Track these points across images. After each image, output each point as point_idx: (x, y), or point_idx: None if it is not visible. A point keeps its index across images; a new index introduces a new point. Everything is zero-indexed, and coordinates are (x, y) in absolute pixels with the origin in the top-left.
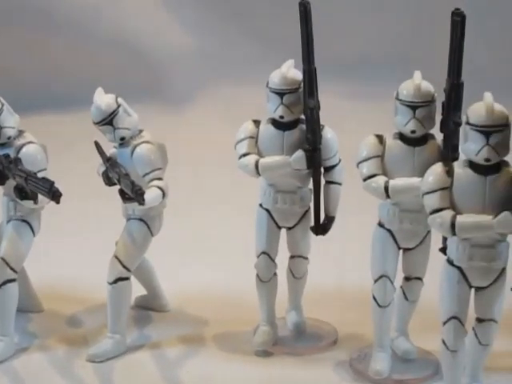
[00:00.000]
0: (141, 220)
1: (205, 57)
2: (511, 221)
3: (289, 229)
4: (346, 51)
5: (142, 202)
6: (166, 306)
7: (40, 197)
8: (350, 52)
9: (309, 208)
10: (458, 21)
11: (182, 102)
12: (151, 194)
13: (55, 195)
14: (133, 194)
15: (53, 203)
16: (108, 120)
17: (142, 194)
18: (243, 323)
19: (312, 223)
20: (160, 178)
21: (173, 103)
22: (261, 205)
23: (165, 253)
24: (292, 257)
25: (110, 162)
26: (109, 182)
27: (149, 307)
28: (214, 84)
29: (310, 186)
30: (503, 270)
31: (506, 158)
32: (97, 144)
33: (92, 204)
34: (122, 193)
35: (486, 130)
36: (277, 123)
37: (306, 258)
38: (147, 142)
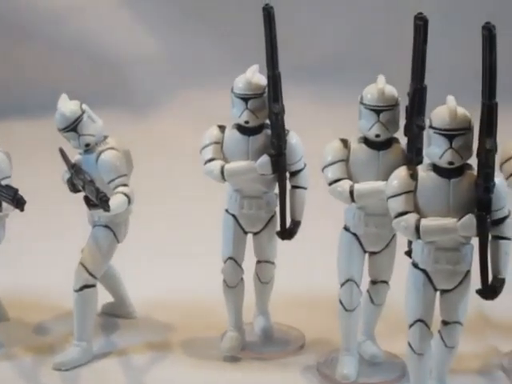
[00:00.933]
0: (106, 227)
1: (170, 62)
2: (474, 223)
3: (255, 234)
4: (311, 56)
5: (107, 208)
6: (133, 313)
7: (4, 204)
8: (314, 57)
9: (275, 213)
10: (421, 25)
11: (148, 108)
12: (116, 201)
13: (19, 202)
14: (97, 200)
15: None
16: (72, 126)
17: (107, 200)
18: (210, 329)
19: (278, 228)
20: (125, 185)
21: (138, 109)
22: (227, 210)
23: (131, 259)
24: (259, 262)
25: (74, 169)
26: (74, 188)
27: (115, 314)
28: (180, 89)
29: (276, 190)
30: (468, 272)
31: (468, 161)
32: (61, 151)
33: (57, 211)
34: (86, 199)
35: (450, 134)
36: (242, 128)
37: (273, 263)
38: (112, 148)
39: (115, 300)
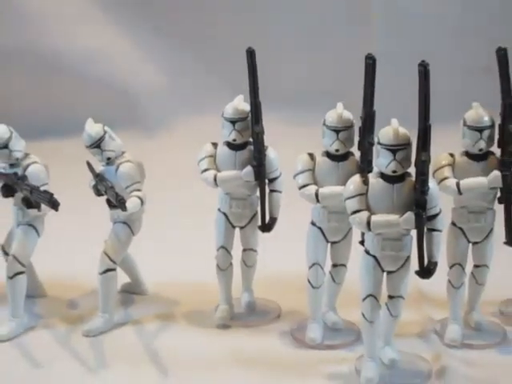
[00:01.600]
0: (124, 223)
1: (175, 93)
2: (413, 219)
3: (241, 228)
4: (286, 88)
5: (124, 209)
6: (146, 291)
7: (43, 206)
8: (288, 88)
9: (257, 211)
10: (370, 63)
11: (156, 130)
12: (132, 203)
13: (55, 204)
14: (117, 202)
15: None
16: (96, 144)
17: (124, 202)
18: (207, 303)
19: (259, 223)
20: (139, 190)
21: (148, 131)
22: (219, 209)
23: (145, 248)
24: (244, 250)
25: (98, 178)
26: (98, 193)
27: (132, 292)
28: (182, 115)
29: (257, 194)
30: (408, 257)
31: (408, 170)
32: (88, 163)
33: (86, 210)
34: (108, 202)
35: (393, 149)
36: (230, 145)
37: (255, 251)
38: (128, 160)
39: (131, 280)
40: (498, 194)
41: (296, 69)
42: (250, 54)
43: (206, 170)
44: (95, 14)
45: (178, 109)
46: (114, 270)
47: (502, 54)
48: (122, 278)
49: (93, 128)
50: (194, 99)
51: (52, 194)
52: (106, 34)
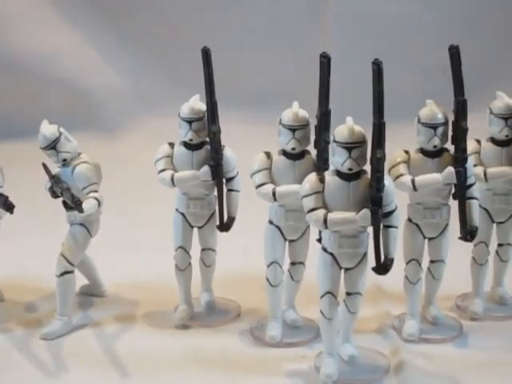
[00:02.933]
0: (81, 225)
1: (133, 94)
2: (369, 216)
3: (199, 228)
4: (242, 86)
5: (80, 210)
6: (105, 292)
7: None
8: (246, 89)
9: (214, 211)
10: (325, 61)
11: (114, 131)
12: (88, 204)
13: (9, 207)
14: (73, 204)
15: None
16: (52, 145)
17: (81, 204)
18: (166, 303)
19: (217, 223)
20: (96, 191)
21: (107, 132)
22: (177, 209)
23: (103, 250)
24: (203, 249)
25: (54, 179)
26: (54, 195)
27: (91, 294)
28: (141, 115)
29: (215, 193)
30: (365, 254)
31: (364, 168)
32: (44, 165)
33: (43, 213)
34: (64, 203)
35: (349, 146)
36: (187, 145)
37: (214, 250)
38: (85, 162)
39: (90, 282)
40: (453, 190)
41: (252, 68)
42: (206, 54)
43: (163, 171)
44: (53, 15)
45: (136, 109)
46: (71, 272)
47: (454, 51)
48: (80, 280)
49: (48, 129)
50: (152, 99)
51: (7, 197)
52: (63, 34)
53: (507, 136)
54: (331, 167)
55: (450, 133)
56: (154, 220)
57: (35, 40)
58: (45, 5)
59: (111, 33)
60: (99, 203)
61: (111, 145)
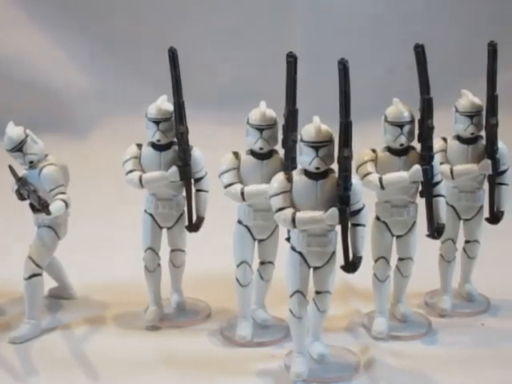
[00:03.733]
0: (49, 227)
1: (100, 94)
2: (337, 215)
3: (168, 228)
4: (209, 86)
5: (47, 212)
6: (74, 295)
7: None
8: (212, 86)
9: (183, 211)
10: (292, 61)
11: (82, 132)
12: (56, 206)
13: (44, 206)
14: (40, 206)
15: None
16: (18, 147)
17: (47, 206)
18: (136, 305)
19: (186, 223)
20: (63, 193)
21: (74, 133)
22: (145, 210)
23: (71, 251)
24: (172, 250)
25: (21, 181)
26: (20, 197)
27: (60, 296)
28: (109, 115)
29: (184, 194)
30: (333, 252)
31: (331, 166)
32: (10, 167)
33: (9, 215)
34: (31, 206)
35: (316, 146)
36: (155, 145)
37: (183, 251)
38: (52, 163)
39: (59, 285)
40: (420, 188)
41: (220, 68)
42: (172, 54)
43: (131, 172)
44: (17, 15)
45: (104, 110)
46: (39, 274)
47: (419, 50)
48: (49, 282)
49: (14, 131)
50: (120, 100)
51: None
52: (28, 34)
53: (472, 134)
54: (299, 166)
55: (417, 131)
56: (123, 221)
57: None
58: (9, 4)
59: (78, 33)
60: (67, 205)
61: (79, 146)
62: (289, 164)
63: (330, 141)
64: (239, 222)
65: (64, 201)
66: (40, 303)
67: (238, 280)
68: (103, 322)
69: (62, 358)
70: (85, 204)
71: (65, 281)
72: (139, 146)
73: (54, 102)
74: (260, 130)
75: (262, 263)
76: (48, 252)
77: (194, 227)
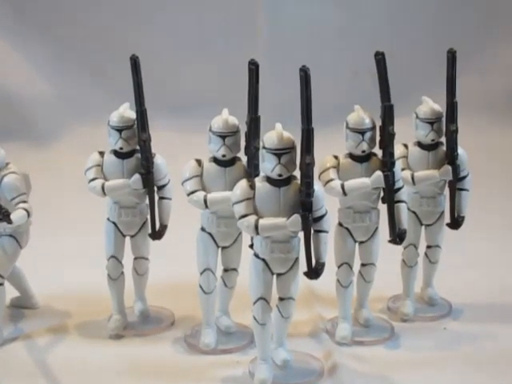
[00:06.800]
0: (11, 236)
1: (62, 102)
2: (299, 221)
3: (132, 236)
4: (171, 93)
5: (9, 221)
6: (36, 304)
7: None
8: (174, 94)
9: (147, 219)
10: (253, 68)
11: (43, 140)
12: (17, 215)
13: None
14: (1, 215)
15: None
16: None
17: (9, 215)
18: (99, 314)
19: (149, 231)
20: (25, 201)
21: (35, 141)
22: (108, 218)
23: (34, 260)
24: (135, 258)
25: None
26: None
27: (22, 306)
28: (70, 123)
29: (147, 201)
30: (296, 259)
31: (294, 173)
32: None
33: None
34: None
35: (278, 153)
36: (117, 153)
37: (147, 259)
38: (13, 172)
39: (21, 294)
40: (382, 194)
41: (182, 76)
42: (134, 62)
43: (93, 180)
44: None
45: (66, 118)
46: (1, 284)
47: (379, 58)
48: (11, 292)
49: None
50: (82, 108)
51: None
52: None
53: (433, 140)
54: (261, 173)
55: (378, 137)
56: (87, 229)
57: None
58: None
59: (39, 40)
60: (28, 214)
61: (41, 154)
62: (252, 171)
63: (292, 147)
64: (202, 229)
65: (26, 209)
66: (2, 313)
67: (201, 287)
68: (66, 331)
69: (24, 368)
70: (47, 213)
71: (27, 290)
72: (101, 153)
73: (15, 109)
74: (223, 137)
75: (225, 270)
76: (10, 261)
77: (157, 235)
